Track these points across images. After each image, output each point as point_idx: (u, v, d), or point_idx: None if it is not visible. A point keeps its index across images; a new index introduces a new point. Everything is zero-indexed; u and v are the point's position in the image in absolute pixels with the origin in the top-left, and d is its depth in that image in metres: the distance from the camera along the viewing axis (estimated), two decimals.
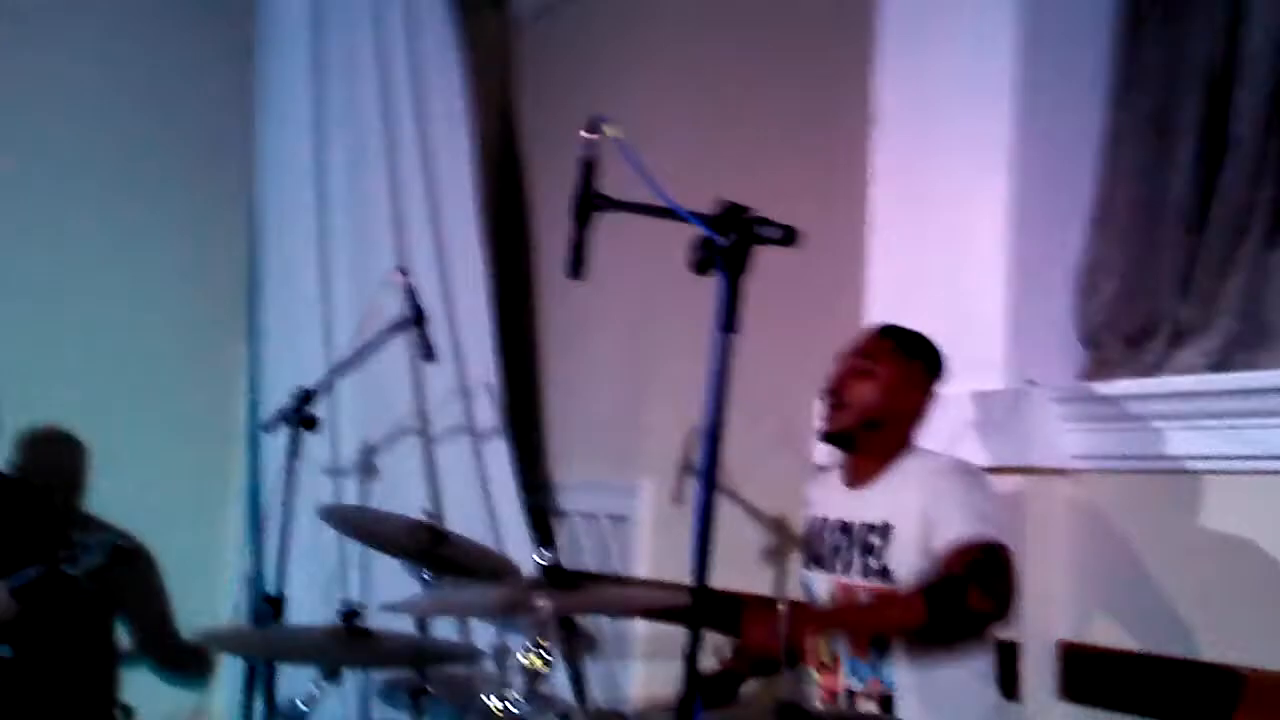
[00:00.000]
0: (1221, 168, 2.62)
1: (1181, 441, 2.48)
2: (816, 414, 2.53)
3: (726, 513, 3.36)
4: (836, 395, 2.45)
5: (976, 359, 2.75)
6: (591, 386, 4.20)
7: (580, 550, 4.11)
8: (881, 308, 2.90)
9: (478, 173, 4.15)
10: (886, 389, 2.43)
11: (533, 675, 1.87)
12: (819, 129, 3.34)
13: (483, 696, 1.91)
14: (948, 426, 2.70)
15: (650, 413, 3.91)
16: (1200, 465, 2.45)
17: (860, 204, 3.04)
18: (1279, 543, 2.30)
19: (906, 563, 2.33)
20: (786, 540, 3.28)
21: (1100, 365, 2.76)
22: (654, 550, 3.85)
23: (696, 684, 1.57)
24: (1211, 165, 2.66)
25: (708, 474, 1.54)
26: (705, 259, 1.57)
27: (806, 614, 2.37)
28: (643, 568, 3.86)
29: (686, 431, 3.66)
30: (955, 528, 2.25)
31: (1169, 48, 2.74)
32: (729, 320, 1.56)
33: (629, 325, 4.04)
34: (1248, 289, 2.54)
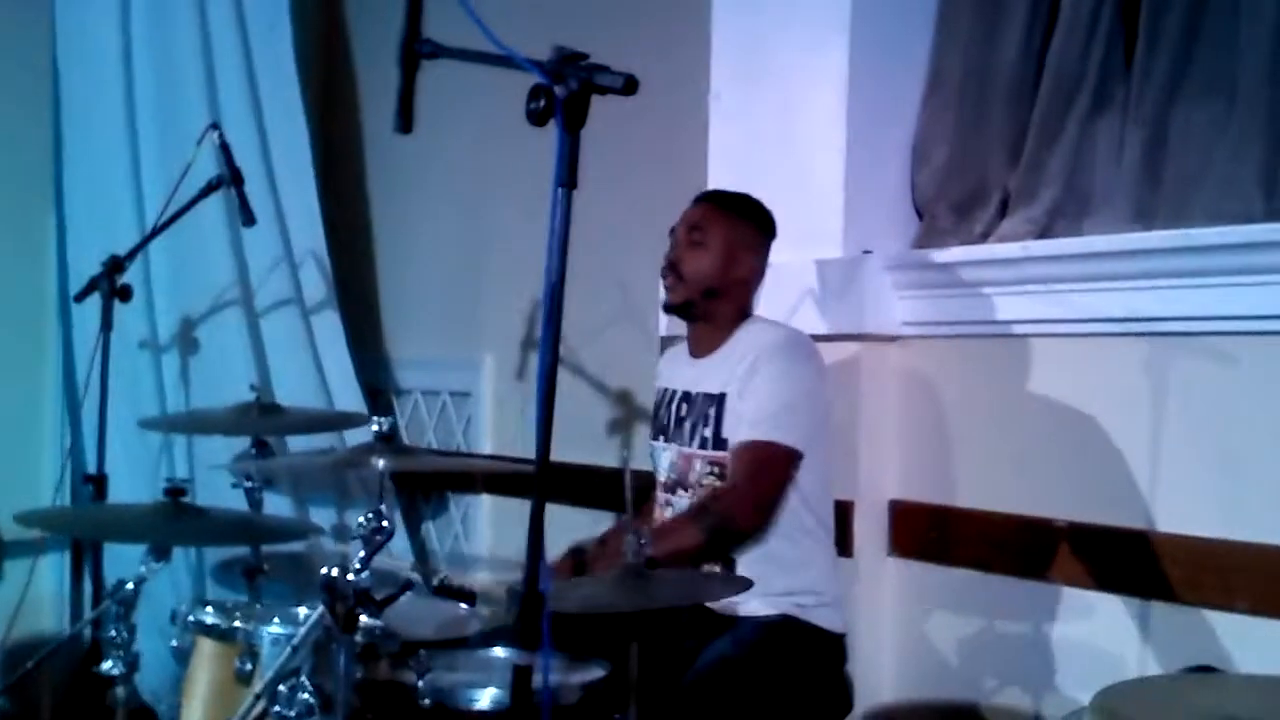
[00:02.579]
0: (1051, 37, 2.66)
1: (1007, 307, 2.57)
2: (660, 289, 2.53)
3: (570, 387, 3.35)
4: (675, 269, 2.48)
5: (815, 228, 2.77)
6: (426, 257, 4.09)
7: (423, 428, 4.05)
8: (723, 177, 2.88)
9: (296, 24, 3.92)
10: (721, 255, 2.45)
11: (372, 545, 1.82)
12: None
13: (323, 570, 1.86)
14: (787, 295, 2.74)
15: (489, 285, 3.84)
16: (1025, 330, 2.54)
17: (703, 69, 2.99)
18: (1097, 402, 2.42)
19: (739, 431, 2.36)
20: (630, 414, 3.29)
21: (932, 234, 2.81)
22: (497, 426, 3.82)
23: (543, 556, 1.55)
24: (1041, 35, 2.70)
25: (549, 331, 1.50)
26: (543, 109, 1.51)
27: (594, 564, 2.41)
28: (487, 444, 3.83)
29: (528, 304, 3.63)
30: (748, 422, 2.32)
31: None
32: (568, 175, 1.51)
33: (463, 192, 3.93)
34: (1073, 158, 2.61)
